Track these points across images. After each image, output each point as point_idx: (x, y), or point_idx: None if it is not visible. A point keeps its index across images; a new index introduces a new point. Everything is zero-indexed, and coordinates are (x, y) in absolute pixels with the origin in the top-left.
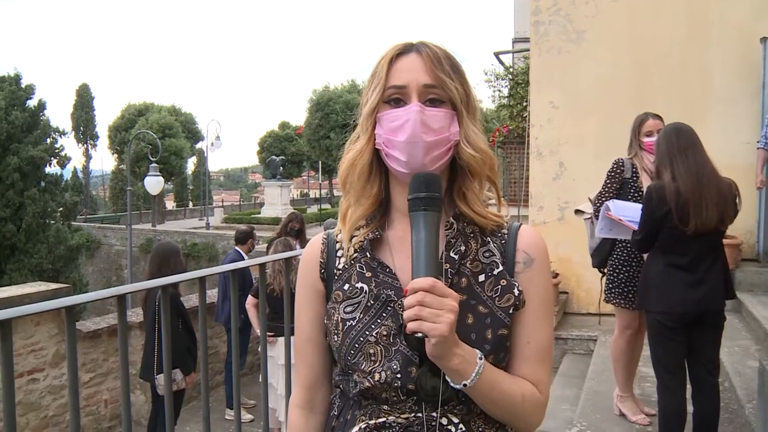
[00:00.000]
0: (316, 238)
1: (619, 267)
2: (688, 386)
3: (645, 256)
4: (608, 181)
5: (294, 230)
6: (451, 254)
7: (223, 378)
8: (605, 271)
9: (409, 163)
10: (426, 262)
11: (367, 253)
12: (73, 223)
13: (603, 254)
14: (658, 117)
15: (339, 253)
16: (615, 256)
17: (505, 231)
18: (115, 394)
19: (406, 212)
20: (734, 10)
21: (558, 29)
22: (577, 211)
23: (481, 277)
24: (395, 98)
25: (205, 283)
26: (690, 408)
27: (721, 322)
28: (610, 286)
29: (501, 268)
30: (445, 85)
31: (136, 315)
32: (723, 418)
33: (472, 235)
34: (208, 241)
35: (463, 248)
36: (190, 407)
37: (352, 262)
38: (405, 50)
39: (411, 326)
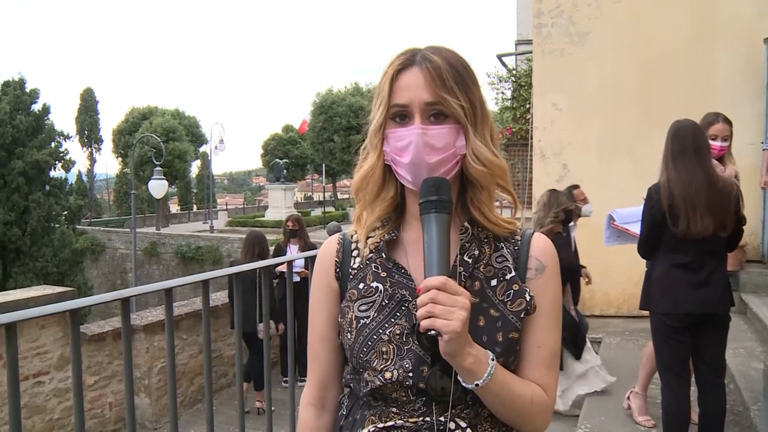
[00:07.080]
0: (332, 238)
1: None
2: (693, 388)
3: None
4: None
5: (288, 230)
6: (465, 258)
7: (225, 381)
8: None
9: (414, 183)
10: (438, 261)
11: (383, 254)
12: (77, 226)
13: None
14: (728, 122)
15: (354, 253)
16: None
17: (518, 237)
18: (120, 397)
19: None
20: (738, 11)
21: (561, 31)
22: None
23: (494, 282)
24: (400, 115)
25: (209, 286)
26: (696, 410)
27: (726, 322)
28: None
29: (513, 273)
30: (446, 102)
31: (140, 318)
32: (728, 420)
33: (485, 240)
34: (212, 244)
35: (476, 252)
36: (195, 410)
37: (368, 262)
38: (407, 64)
39: (424, 324)
